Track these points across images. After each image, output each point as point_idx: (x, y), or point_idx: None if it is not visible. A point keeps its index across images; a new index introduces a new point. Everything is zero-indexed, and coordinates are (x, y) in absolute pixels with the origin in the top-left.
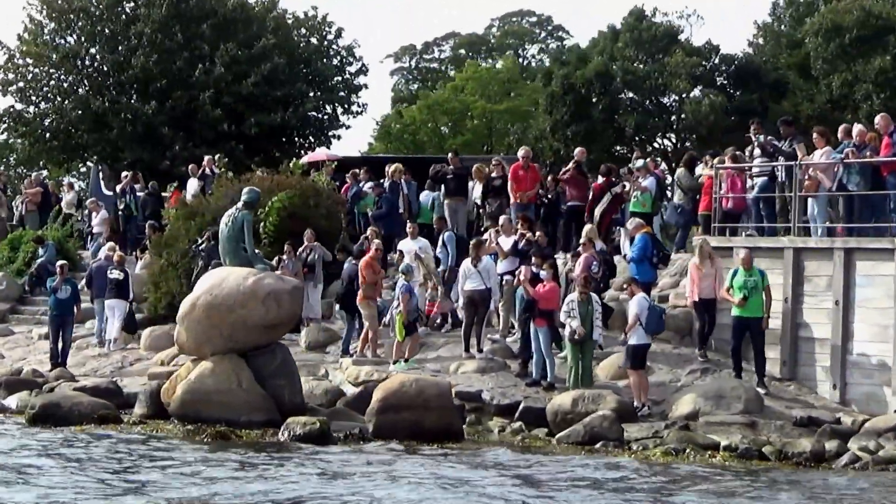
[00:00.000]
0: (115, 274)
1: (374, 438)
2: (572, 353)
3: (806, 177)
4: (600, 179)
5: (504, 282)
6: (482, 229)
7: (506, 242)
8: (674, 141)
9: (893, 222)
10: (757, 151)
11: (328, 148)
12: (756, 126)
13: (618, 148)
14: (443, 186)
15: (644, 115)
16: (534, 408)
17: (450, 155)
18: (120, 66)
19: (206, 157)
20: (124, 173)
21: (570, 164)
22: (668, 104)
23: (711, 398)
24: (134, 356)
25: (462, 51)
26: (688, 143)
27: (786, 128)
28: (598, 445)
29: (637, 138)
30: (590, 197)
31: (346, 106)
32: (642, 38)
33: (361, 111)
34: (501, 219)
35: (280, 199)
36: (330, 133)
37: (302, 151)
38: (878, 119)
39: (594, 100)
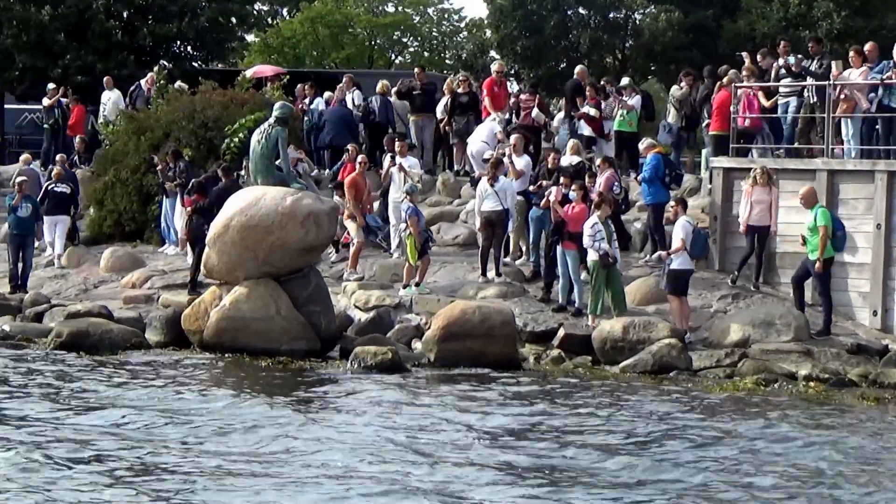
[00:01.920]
0: (60, 188)
1: (441, 367)
2: (600, 278)
3: (842, 96)
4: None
5: (516, 203)
6: (451, 146)
7: (518, 162)
8: (621, 59)
9: None
10: (783, 72)
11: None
12: (785, 45)
13: (565, 65)
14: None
15: (597, 32)
16: (576, 335)
17: (416, 70)
18: None
19: (149, 75)
20: (51, 85)
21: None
22: (620, 20)
23: (760, 325)
24: (96, 277)
25: None
26: (639, 61)
27: (815, 45)
28: (671, 375)
29: (590, 57)
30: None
31: (241, 18)
32: None
33: (256, 24)
34: (513, 137)
35: (252, 118)
36: (226, 46)
37: (196, 64)
38: None
39: (545, 14)
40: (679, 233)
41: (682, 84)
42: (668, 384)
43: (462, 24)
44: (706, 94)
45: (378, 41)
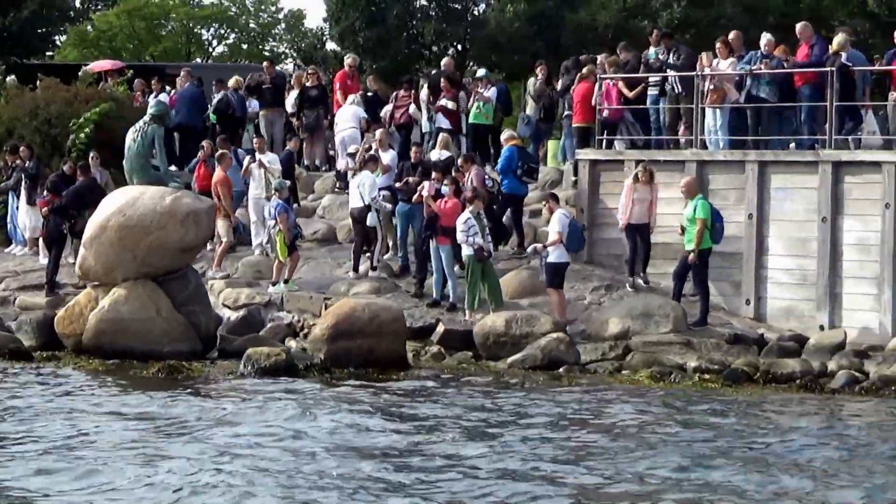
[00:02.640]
0: None
1: (333, 368)
2: (476, 272)
3: (711, 87)
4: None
5: (382, 197)
6: (301, 141)
7: (385, 157)
8: (462, 50)
9: (804, 134)
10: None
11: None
12: (655, 35)
13: (407, 57)
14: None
15: (441, 24)
16: (456, 330)
17: (265, 64)
18: None
19: None
20: None
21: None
22: (462, 11)
23: (638, 317)
24: None
25: None
26: (482, 53)
27: (667, 40)
28: (561, 370)
29: (433, 47)
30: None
31: (62, 11)
32: None
33: (78, 17)
34: (378, 132)
35: (97, 111)
36: (49, 40)
37: (15, 60)
38: (799, 27)
39: (385, 5)
40: (555, 226)
41: (539, 76)
42: (563, 381)
43: (280, 16)
44: (566, 86)
45: (196, 33)
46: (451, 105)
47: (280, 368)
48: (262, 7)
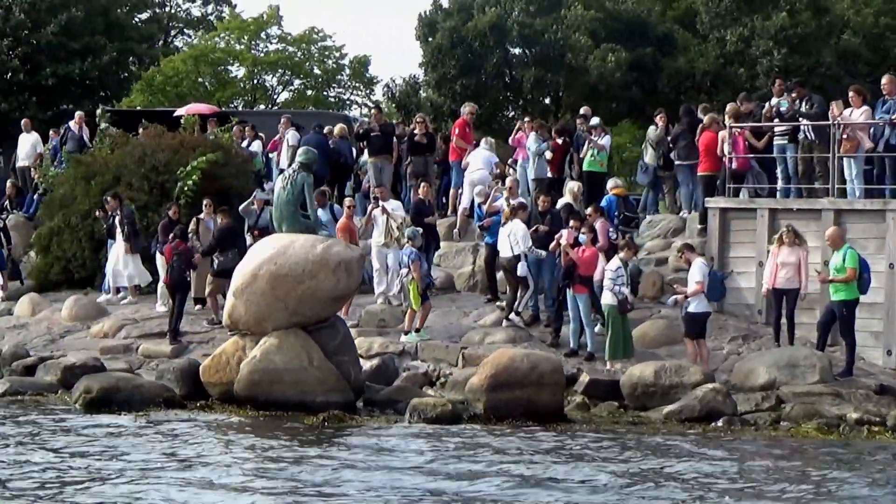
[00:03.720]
0: None
1: (492, 419)
2: (617, 322)
3: (845, 136)
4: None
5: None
6: (409, 187)
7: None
8: (558, 97)
9: None
10: (775, 112)
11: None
12: (779, 85)
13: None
14: (366, 144)
15: (539, 70)
16: (601, 380)
17: (373, 111)
18: None
19: (77, 114)
20: None
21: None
22: (564, 59)
23: (784, 367)
24: (59, 327)
25: None
26: (578, 101)
27: (800, 89)
28: (720, 422)
29: (530, 95)
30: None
31: (139, 57)
32: None
33: (152, 63)
34: (508, 179)
35: (205, 160)
36: (130, 86)
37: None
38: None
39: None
40: (696, 275)
41: (659, 124)
42: (719, 433)
43: (345, 62)
44: (678, 135)
45: (261, 79)
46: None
47: (445, 418)
48: (327, 53)
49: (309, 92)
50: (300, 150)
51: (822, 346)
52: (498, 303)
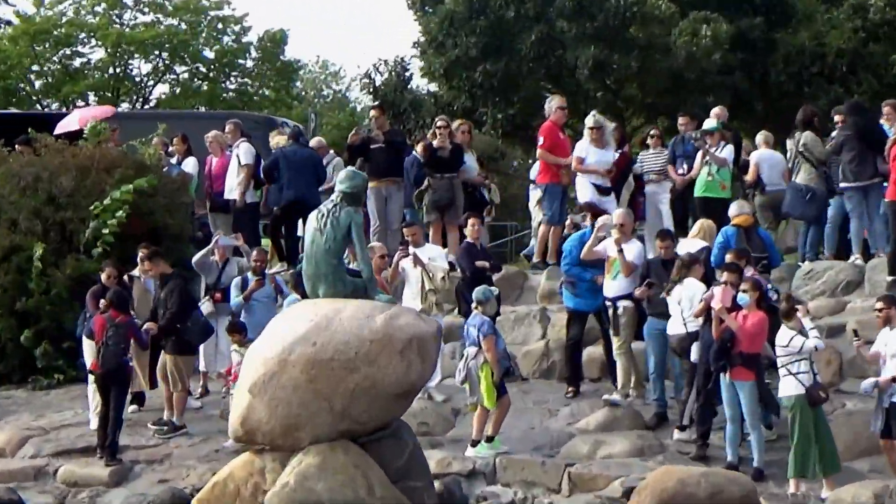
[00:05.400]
0: None
1: None
2: (807, 421)
3: None
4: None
5: (622, 310)
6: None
7: (630, 250)
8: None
9: None
10: None
11: None
12: None
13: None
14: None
15: (602, 49)
16: None
17: (372, 113)
18: None
19: None
20: None
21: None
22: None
23: None
24: None
25: None
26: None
27: None
28: None
29: (588, 87)
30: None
31: None
32: None
33: None
34: (619, 213)
35: (134, 186)
36: None
37: None
38: None
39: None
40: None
41: (837, 124)
42: None
43: (251, 39)
44: (843, 142)
45: (127, 65)
46: None
47: None
48: (223, 28)
49: (199, 83)
50: (343, 175)
51: None
52: (606, 396)
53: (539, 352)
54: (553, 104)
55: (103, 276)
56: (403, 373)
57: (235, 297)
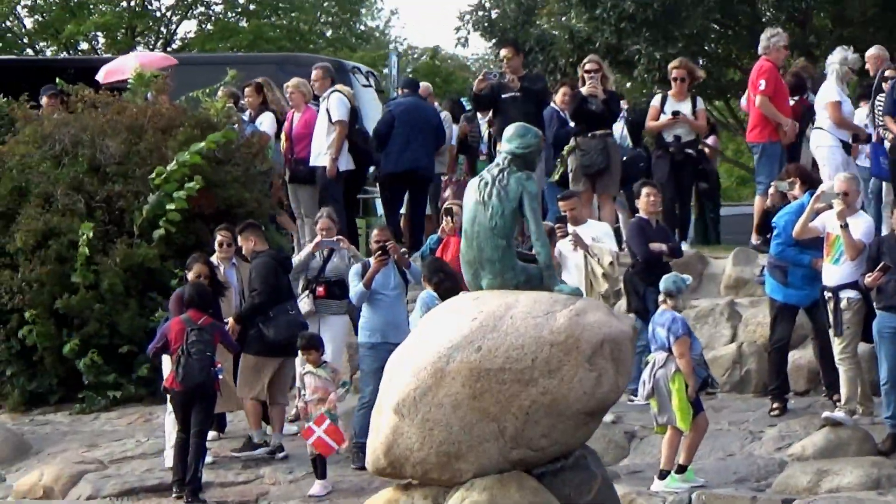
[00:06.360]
0: None
1: None
2: None
3: None
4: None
5: (847, 303)
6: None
7: (857, 225)
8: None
9: None
10: None
11: None
12: None
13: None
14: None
15: None
16: None
17: (504, 53)
18: None
19: None
20: None
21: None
22: None
23: None
24: None
25: None
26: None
27: None
28: None
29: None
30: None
31: None
32: None
33: None
34: (840, 178)
35: (206, 143)
36: None
37: None
38: None
39: None
40: None
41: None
42: None
43: None
44: None
45: None
46: None
47: None
48: None
49: (237, 18)
50: (511, 131)
51: None
52: (827, 413)
53: (730, 358)
54: (777, 40)
55: (190, 275)
56: (593, 385)
57: (355, 287)
